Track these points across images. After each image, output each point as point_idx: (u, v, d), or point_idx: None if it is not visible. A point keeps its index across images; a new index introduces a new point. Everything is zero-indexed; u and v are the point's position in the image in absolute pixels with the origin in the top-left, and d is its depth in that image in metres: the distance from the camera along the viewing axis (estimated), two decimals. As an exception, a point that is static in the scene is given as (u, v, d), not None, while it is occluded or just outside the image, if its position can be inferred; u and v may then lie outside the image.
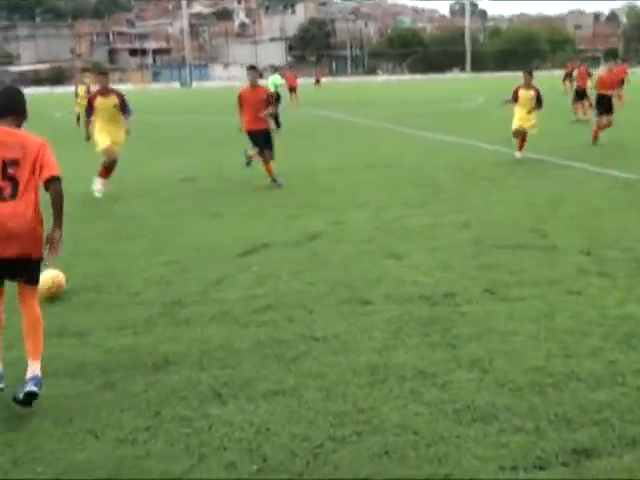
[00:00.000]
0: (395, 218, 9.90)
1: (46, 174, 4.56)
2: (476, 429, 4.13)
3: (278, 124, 23.02)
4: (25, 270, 4.68)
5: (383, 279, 7.09)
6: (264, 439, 4.11)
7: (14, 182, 4.51)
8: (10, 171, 4.50)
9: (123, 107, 12.31)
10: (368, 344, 5.44)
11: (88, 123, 12.93)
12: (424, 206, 10.74)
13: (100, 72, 13.72)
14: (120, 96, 12.39)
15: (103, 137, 12.31)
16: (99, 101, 12.27)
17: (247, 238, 8.92)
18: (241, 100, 13.13)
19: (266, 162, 13.00)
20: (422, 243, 8.47)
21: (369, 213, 10.35)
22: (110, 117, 12.31)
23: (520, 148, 15.39)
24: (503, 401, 4.45)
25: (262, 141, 12.96)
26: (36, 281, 4.81)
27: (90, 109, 12.43)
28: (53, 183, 4.59)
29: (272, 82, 26.02)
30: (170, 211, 11.02)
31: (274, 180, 12.89)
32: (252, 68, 13.72)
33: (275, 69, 32.30)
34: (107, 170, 12.42)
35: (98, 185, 12.34)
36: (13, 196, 4.49)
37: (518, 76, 16.21)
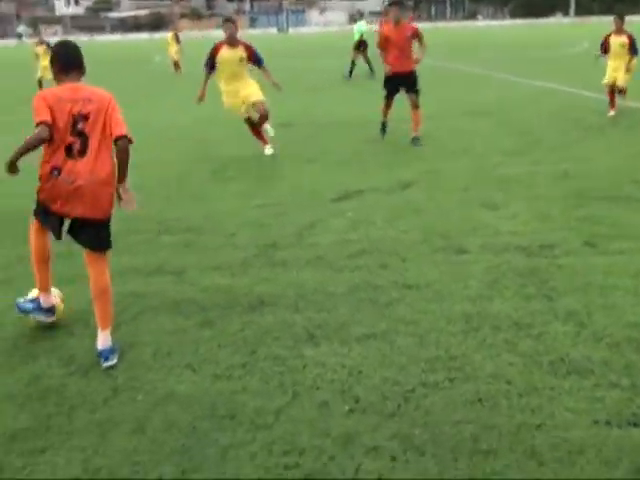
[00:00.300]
0: (492, 166, 9.70)
1: (115, 133, 4.44)
2: (571, 382, 4.07)
3: (372, 70, 23.35)
4: (89, 234, 4.52)
5: (479, 228, 6.99)
6: (356, 381, 4.17)
7: (84, 138, 4.37)
8: (80, 126, 4.36)
9: (254, 59, 10.57)
10: (463, 293, 5.40)
11: (206, 80, 10.71)
12: (523, 155, 10.47)
13: (227, 19, 11.11)
14: (248, 47, 10.60)
15: (234, 102, 10.85)
16: (224, 54, 10.56)
17: (341, 184, 8.93)
18: (384, 40, 11.55)
19: (413, 110, 11.64)
20: (520, 193, 8.28)
21: (466, 161, 10.17)
22: (235, 72, 10.63)
23: (613, 103, 14.13)
24: (600, 355, 4.36)
25: (407, 84, 11.56)
26: (105, 246, 4.61)
27: (211, 62, 10.66)
28: (122, 140, 4.46)
29: (357, 29, 24.95)
30: (267, 155, 11.10)
31: (416, 139, 11.56)
32: (395, 3, 11.73)
33: (360, 15, 31.16)
34: (262, 119, 10.91)
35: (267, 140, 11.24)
36: (82, 152, 4.36)
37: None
